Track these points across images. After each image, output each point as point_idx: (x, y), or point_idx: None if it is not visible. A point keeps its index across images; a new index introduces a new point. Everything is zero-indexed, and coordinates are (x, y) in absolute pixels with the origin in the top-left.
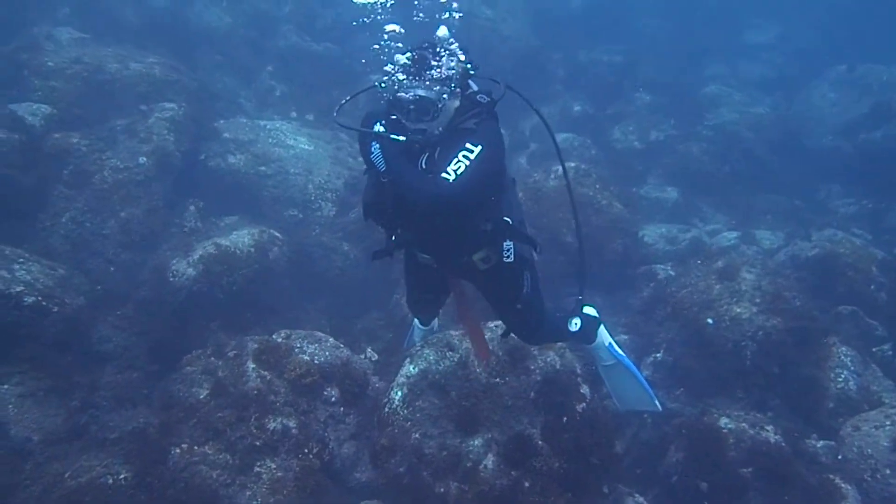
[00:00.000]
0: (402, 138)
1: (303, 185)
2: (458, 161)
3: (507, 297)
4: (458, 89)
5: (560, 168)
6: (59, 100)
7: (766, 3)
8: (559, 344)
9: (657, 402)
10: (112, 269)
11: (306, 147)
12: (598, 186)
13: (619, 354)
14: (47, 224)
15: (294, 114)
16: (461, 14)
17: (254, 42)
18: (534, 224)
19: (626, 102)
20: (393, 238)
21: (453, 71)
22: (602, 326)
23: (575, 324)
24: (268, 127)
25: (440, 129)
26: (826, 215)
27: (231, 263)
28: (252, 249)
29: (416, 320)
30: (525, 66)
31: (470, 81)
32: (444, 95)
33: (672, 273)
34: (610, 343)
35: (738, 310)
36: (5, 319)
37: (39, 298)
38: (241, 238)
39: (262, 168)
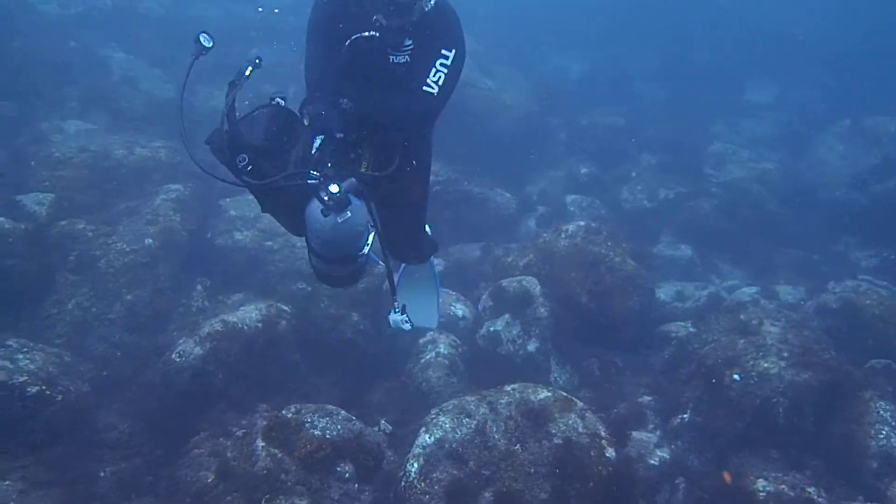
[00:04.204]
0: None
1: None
2: (437, 71)
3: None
4: None
5: (570, 227)
6: (65, 188)
7: (764, 64)
8: (580, 405)
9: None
10: (118, 353)
11: None
12: (609, 244)
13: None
14: (53, 311)
15: None
16: None
17: None
18: (546, 283)
19: (631, 163)
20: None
21: None
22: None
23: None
24: None
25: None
26: (847, 267)
27: (239, 340)
28: (260, 325)
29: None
30: (528, 132)
31: None
32: None
33: (693, 330)
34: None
35: (766, 364)
36: (8, 411)
37: (43, 388)
38: (249, 314)
39: (269, 243)
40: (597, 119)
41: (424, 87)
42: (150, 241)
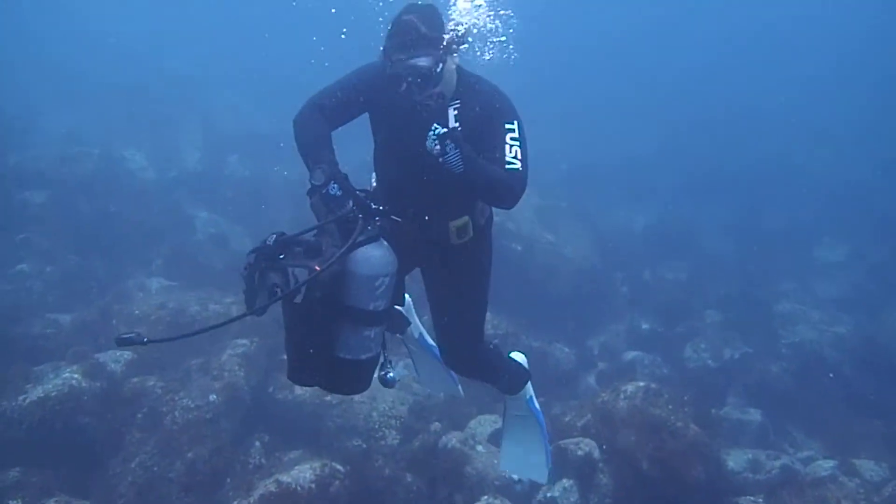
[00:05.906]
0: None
1: (367, 414)
2: (512, 146)
3: None
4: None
5: (629, 388)
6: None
7: (834, 222)
8: None
9: (547, 474)
10: None
11: None
12: (670, 407)
13: (537, 410)
14: (118, 471)
15: None
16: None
17: None
18: (604, 447)
19: (695, 320)
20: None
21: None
22: (529, 381)
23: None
24: None
25: (451, 88)
26: None
27: (292, 502)
28: (313, 485)
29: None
30: (589, 285)
31: None
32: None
33: None
34: (531, 396)
35: None
36: None
37: None
38: (303, 473)
39: (328, 398)
40: (660, 273)
41: (508, 166)
42: (215, 396)
